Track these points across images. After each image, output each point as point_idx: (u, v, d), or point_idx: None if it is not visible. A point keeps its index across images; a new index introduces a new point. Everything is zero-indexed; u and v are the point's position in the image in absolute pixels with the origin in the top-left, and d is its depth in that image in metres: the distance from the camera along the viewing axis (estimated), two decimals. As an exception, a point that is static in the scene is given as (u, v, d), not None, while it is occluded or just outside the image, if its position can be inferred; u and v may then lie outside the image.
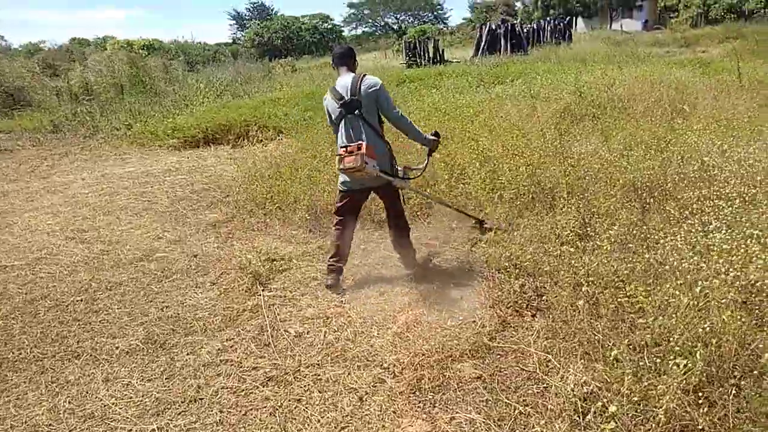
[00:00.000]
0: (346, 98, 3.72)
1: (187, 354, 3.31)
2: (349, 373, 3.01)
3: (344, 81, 3.78)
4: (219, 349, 3.33)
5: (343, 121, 3.77)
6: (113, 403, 2.88)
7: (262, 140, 9.67)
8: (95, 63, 20.54)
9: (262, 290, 4.07)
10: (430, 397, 2.76)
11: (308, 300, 3.88)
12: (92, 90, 17.30)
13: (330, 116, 3.90)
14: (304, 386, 2.92)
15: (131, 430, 2.67)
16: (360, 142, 3.64)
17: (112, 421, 2.75)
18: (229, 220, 5.78)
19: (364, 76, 3.78)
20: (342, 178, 3.89)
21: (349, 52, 3.93)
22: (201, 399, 2.87)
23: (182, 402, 2.85)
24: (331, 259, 4.02)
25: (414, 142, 4.30)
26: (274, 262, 4.50)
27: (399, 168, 4.01)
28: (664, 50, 20.49)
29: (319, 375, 3.01)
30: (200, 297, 4.07)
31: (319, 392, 2.86)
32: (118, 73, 17.98)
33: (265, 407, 2.77)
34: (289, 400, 2.81)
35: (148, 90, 16.39)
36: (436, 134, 4.05)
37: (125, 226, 5.89)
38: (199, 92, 14.00)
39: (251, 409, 2.77)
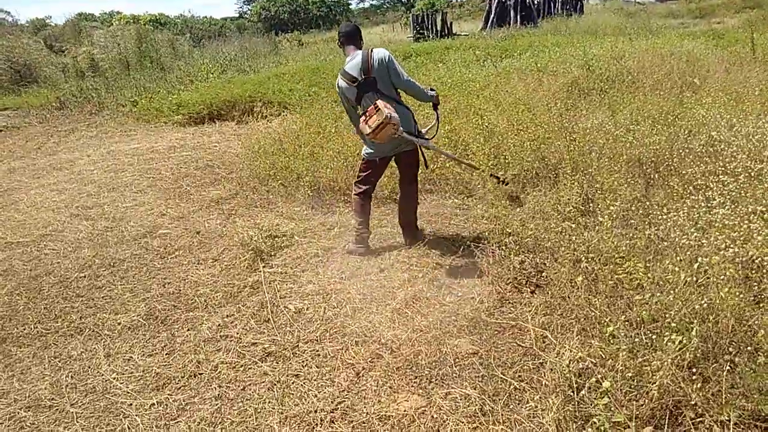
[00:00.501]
0: (360, 79, 3.71)
1: (188, 330, 3.35)
2: (347, 349, 3.03)
3: (355, 61, 3.74)
4: (219, 325, 3.37)
5: (363, 99, 3.78)
6: (114, 378, 2.93)
7: (266, 116, 9.62)
8: (101, 38, 20.42)
9: (263, 267, 4.09)
10: (427, 372, 2.77)
11: (309, 276, 3.90)
12: (98, 66, 17.26)
13: (346, 100, 3.87)
14: (302, 362, 2.95)
15: (131, 404, 2.71)
16: (375, 102, 3.66)
17: (113, 396, 2.80)
18: (232, 196, 5.79)
19: (372, 50, 3.75)
20: (366, 148, 3.97)
21: (355, 30, 3.90)
22: (200, 374, 2.91)
23: (182, 377, 2.89)
24: (360, 228, 4.09)
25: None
26: (276, 239, 4.51)
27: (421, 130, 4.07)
28: (678, 21, 20.02)
29: (317, 351, 3.03)
30: (202, 273, 4.10)
31: (317, 367, 2.89)
32: (124, 48, 17.89)
33: (263, 382, 2.81)
34: (287, 376, 2.84)
35: (154, 66, 16.31)
36: (432, 89, 4.09)
37: (129, 202, 5.92)
38: (203, 68, 13.91)
39: (250, 384, 2.80)
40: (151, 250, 4.60)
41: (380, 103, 3.61)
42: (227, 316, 3.47)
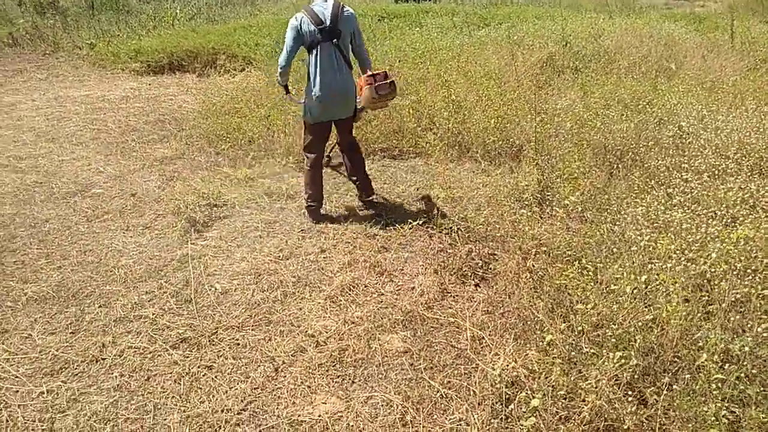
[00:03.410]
0: (327, 24, 3.59)
1: (99, 306, 3.05)
2: (269, 339, 2.79)
3: (325, 5, 3.63)
4: (135, 303, 3.08)
5: (317, 48, 3.64)
6: (5, 359, 2.64)
7: (230, 70, 9.10)
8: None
9: (196, 238, 3.79)
10: (351, 371, 2.56)
11: (243, 252, 3.62)
12: (59, 3, 16.19)
13: (299, 39, 3.64)
14: (218, 351, 2.70)
15: (18, 391, 2.44)
16: (383, 70, 3.82)
17: None
18: (178, 156, 5.41)
19: (342, 4, 3.69)
20: (310, 111, 3.82)
21: None
22: (103, 359, 2.64)
23: (82, 361, 2.62)
24: (309, 200, 3.98)
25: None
26: (215, 208, 4.21)
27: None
28: (662, 1, 19.72)
29: (237, 339, 2.79)
30: (129, 241, 3.78)
31: (234, 359, 2.65)
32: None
33: (170, 373, 2.55)
34: (199, 367, 2.59)
35: (120, 7, 15.35)
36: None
37: (67, 156, 5.50)
38: (170, 13, 13.13)
39: (155, 375, 2.55)
40: (79, 212, 4.24)
41: (395, 83, 3.78)
42: (146, 292, 3.19)
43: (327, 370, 2.56)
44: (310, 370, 2.56)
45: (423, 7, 12.62)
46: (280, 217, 4.11)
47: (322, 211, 4.09)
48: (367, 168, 4.21)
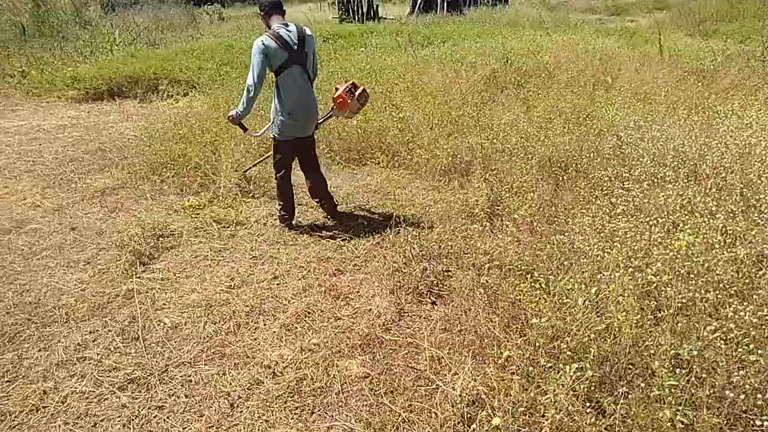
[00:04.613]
0: (295, 48, 3.71)
1: (39, 350, 2.87)
2: (224, 373, 2.69)
3: (290, 29, 3.73)
4: (78, 344, 2.92)
5: (287, 71, 3.74)
6: (-67, 416, 2.44)
7: (173, 95, 8.91)
8: (-7, -1, 18.37)
9: (143, 271, 3.64)
10: (310, 401, 2.49)
11: (193, 284, 3.50)
12: (-13, 30, 15.50)
13: (266, 62, 3.66)
14: (170, 390, 2.58)
15: (-52, 451, 2.26)
16: (352, 81, 4.11)
17: (-71, 439, 2.33)
18: (120, 186, 5.21)
19: (303, 27, 3.83)
20: (282, 129, 3.92)
21: (280, 1, 3.83)
22: (45, 407, 2.48)
23: (20, 412, 2.45)
24: (282, 210, 4.19)
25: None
26: (162, 238, 4.06)
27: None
28: (596, 17, 20.62)
29: (189, 376, 2.67)
30: (69, 279, 3.60)
31: (186, 397, 2.54)
32: (19, 10, 16.16)
33: (119, 417, 2.42)
34: (149, 408, 2.47)
35: (55, 33, 14.82)
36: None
37: (-1, 190, 5.21)
38: (108, 39, 12.77)
39: (103, 420, 2.41)
40: (14, 250, 4.01)
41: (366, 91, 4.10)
42: (90, 332, 3.02)
43: (285, 402, 2.49)
44: (268, 403, 2.48)
45: (367, 27, 12.77)
46: (230, 244, 4.01)
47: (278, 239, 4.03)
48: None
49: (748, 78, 6.88)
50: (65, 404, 2.50)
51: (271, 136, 4.06)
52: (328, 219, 4.39)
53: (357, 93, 4.08)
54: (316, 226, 4.26)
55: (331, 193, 4.38)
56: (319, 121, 4.29)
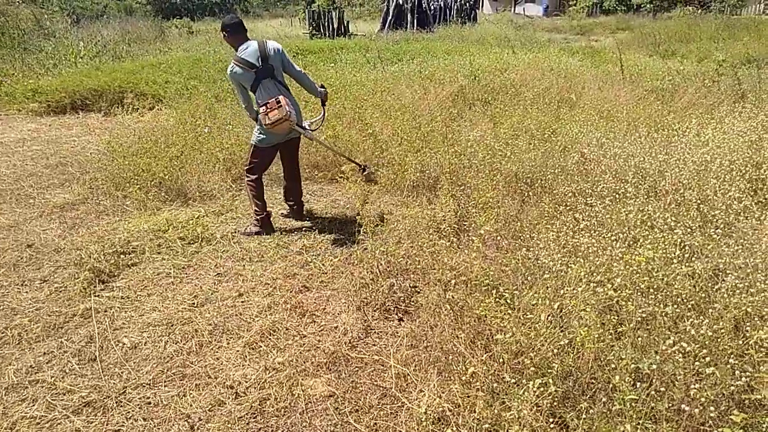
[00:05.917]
0: (259, 66, 3.93)
1: (-11, 374, 2.75)
2: (184, 394, 2.62)
3: (251, 49, 3.93)
4: (31, 367, 2.80)
5: (259, 87, 3.99)
6: None
7: (138, 109, 8.77)
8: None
9: (102, 290, 3.54)
10: (273, 421, 2.44)
11: (154, 302, 3.41)
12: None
13: (242, 87, 4.04)
14: (127, 412, 2.50)
15: None
16: (278, 96, 3.95)
17: None
18: (81, 202, 5.07)
19: (265, 40, 4.01)
20: (258, 136, 4.16)
21: (240, 23, 4.01)
22: (-8, 435, 2.37)
23: (-34, 440, 2.34)
24: (258, 211, 4.28)
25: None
26: (123, 256, 3.95)
27: (305, 122, 4.38)
28: (561, 36, 21.20)
29: (148, 398, 2.59)
30: (24, 298, 3.47)
31: (144, 420, 2.46)
32: (-23, 22, 15.76)
33: (72, 443, 2.33)
34: (105, 432, 2.38)
35: (16, 45, 14.47)
36: (323, 86, 4.44)
37: (-48, 206, 5.02)
38: (72, 51, 12.53)
39: (55, 446, 2.32)
40: (-34, 268, 3.85)
41: (283, 99, 3.91)
42: (44, 353, 2.91)
43: (247, 423, 2.43)
44: (229, 425, 2.42)
45: (337, 43, 12.83)
46: (194, 261, 3.93)
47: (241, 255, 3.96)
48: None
49: (704, 97, 7.12)
50: (14, 431, 2.39)
51: (251, 142, 4.24)
52: (295, 231, 4.41)
53: (271, 110, 3.91)
54: (284, 242, 4.21)
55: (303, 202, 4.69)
56: (299, 126, 4.18)
